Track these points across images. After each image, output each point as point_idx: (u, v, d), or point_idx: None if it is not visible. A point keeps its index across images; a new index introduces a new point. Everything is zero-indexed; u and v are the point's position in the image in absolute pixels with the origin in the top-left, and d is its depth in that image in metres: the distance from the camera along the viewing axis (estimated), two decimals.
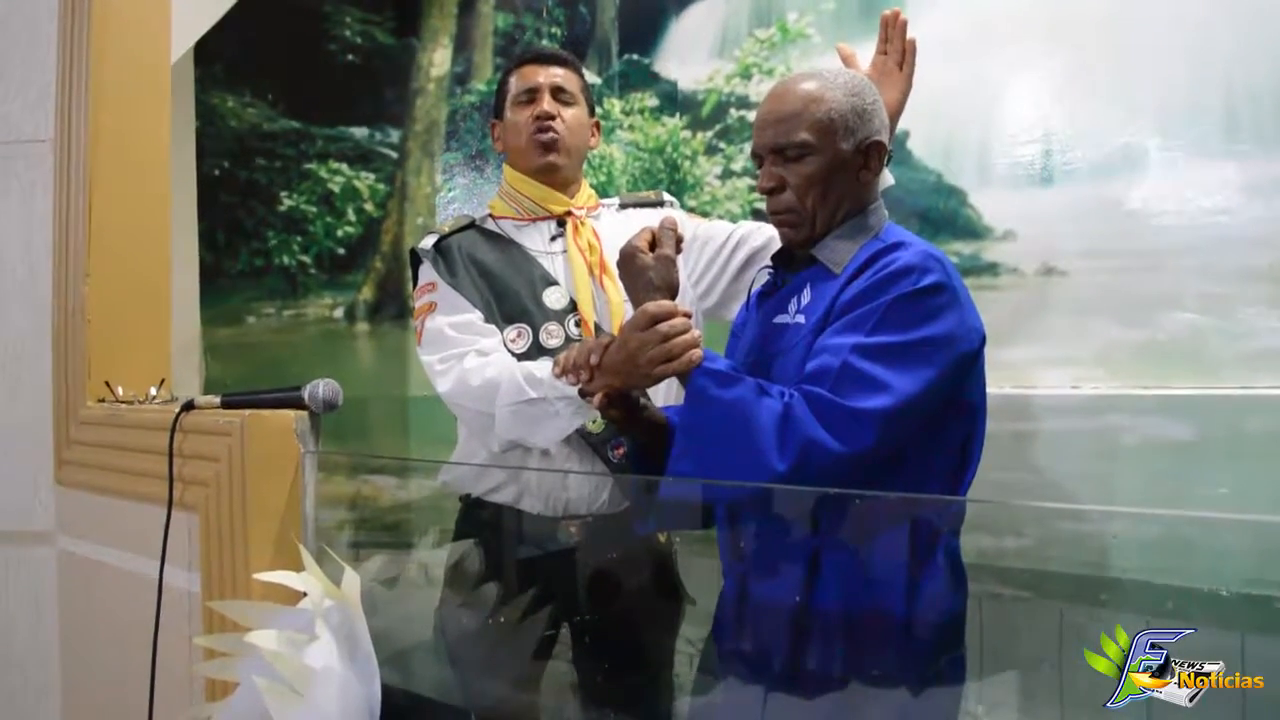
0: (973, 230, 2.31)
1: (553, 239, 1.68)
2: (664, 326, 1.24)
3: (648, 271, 1.31)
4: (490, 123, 1.79)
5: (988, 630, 1.26)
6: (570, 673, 1.60)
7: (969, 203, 2.32)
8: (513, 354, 1.57)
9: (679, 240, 1.36)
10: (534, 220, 1.70)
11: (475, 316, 1.60)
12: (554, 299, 1.62)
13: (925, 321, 1.19)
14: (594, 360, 1.31)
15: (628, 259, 1.34)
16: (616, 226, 1.69)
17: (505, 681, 1.56)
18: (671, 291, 1.31)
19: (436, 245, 1.67)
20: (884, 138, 1.32)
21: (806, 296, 1.30)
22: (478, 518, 1.64)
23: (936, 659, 1.21)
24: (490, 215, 1.73)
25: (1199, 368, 1.98)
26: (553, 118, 1.66)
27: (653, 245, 1.34)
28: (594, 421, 1.55)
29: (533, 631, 1.54)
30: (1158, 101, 2.07)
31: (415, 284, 1.70)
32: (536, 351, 1.58)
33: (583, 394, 1.37)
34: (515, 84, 1.71)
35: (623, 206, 1.78)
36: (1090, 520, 1.48)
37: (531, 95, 1.68)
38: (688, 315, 1.27)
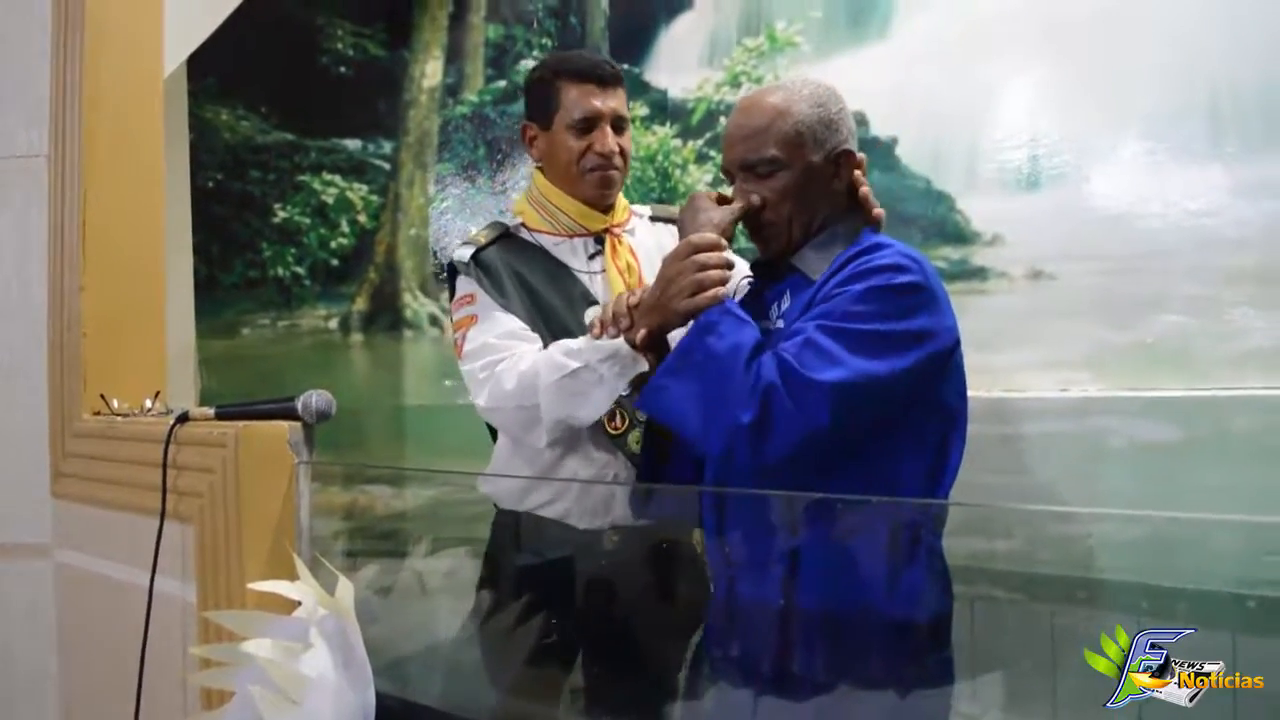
0: (961, 235, 2.32)
1: (591, 257, 1.65)
2: (701, 256, 1.26)
3: (708, 212, 1.32)
4: (523, 124, 1.68)
5: (981, 633, 1.26)
6: (581, 681, 1.59)
7: (957, 207, 2.34)
8: None
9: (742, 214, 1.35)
10: (571, 237, 1.66)
11: (517, 325, 1.57)
12: (593, 317, 1.58)
13: (897, 317, 1.18)
14: (632, 301, 1.33)
15: (693, 200, 1.36)
16: (649, 241, 1.68)
17: (515, 691, 1.56)
18: (722, 235, 1.30)
19: (475, 257, 1.62)
20: (853, 145, 1.32)
21: (786, 302, 1.31)
22: (511, 526, 1.61)
23: (922, 660, 1.22)
24: (524, 225, 1.68)
25: (1186, 369, 1.99)
26: (615, 154, 1.60)
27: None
28: (635, 441, 1.54)
29: (551, 640, 1.53)
30: (1143, 105, 2.09)
31: (452, 296, 1.66)
32: None
33: (629, 344, 1.37)
34: (572, 102, 1.59)
35: (654, 219, 1.75)
36: (1079, 522, 1.48)
37: (591, 124, 1.59)
38: (731, 264, 1.28)
